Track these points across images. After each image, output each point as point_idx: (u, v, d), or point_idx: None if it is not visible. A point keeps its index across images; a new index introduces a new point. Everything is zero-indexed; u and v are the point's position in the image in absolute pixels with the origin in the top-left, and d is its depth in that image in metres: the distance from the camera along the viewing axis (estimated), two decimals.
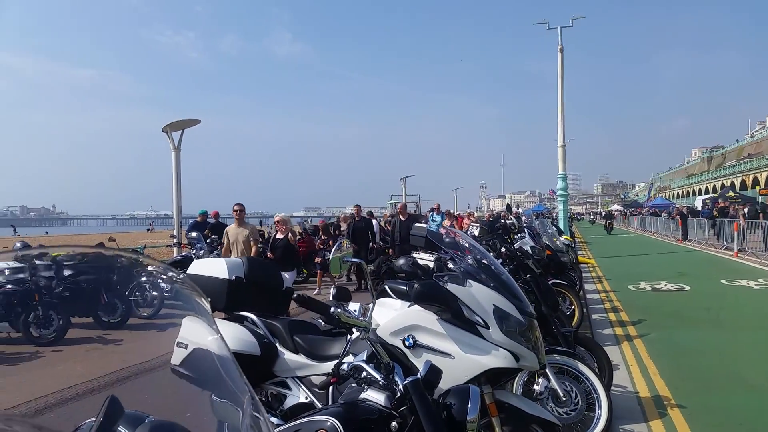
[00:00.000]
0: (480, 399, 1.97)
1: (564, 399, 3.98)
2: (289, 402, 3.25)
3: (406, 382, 1.89)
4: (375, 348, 2.03)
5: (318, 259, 13.18)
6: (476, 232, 9.03)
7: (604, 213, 57.62)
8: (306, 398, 3.28)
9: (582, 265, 14.74)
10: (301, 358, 3.40)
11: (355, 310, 2.27)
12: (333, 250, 2.77)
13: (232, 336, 3.25)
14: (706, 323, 8.84)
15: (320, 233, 16.05)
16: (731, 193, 38.76)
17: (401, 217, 12.74)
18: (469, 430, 1.90)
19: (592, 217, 75.34)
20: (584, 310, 8.42)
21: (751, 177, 60.24)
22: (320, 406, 3.06)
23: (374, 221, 14.81)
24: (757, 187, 50.19)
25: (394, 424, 1.89)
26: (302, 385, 3.35)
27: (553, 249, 8.31)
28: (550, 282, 7.10)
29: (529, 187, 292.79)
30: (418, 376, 1.93)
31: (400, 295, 3.91)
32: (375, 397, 2.01)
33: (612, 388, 5.45)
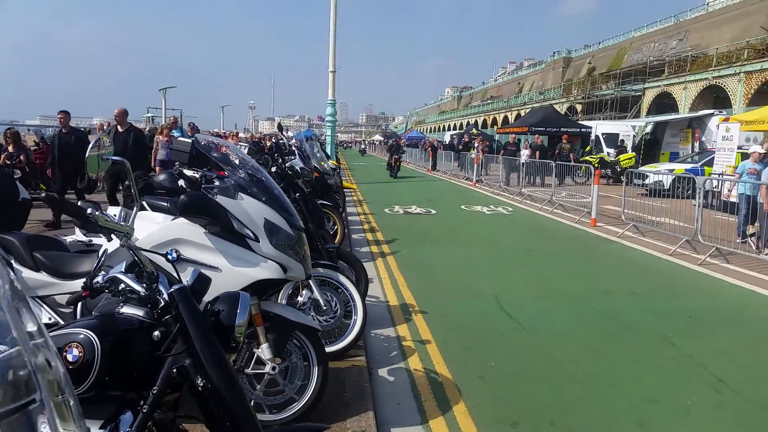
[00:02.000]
0: (249, 303, 1.99)
1: (325, 308, 4.25)
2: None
3: (172, 290, 1.82)
4: (137, 256, 1.90)
5: None
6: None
7: (388, 143, 43.05)
8: (50, 319, 3.00)
9: (345, 190, 15.54)
10: (42, 276, 3.07)
11: (115, 215, 2.07)
12: (90, 147, 2.47)
13: None
14: (448, 242, 10.09)
15: (7, 144, 11.23)
16: (474, 131, 43.83)
17: (119, 127, 9.47)
18: (236, 334, 1.92)
19: (363, 146, 68.54)
20: (346, 230, 8.94)
21: (491, 117, 68.70)
22: None
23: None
24: (495, 126, 57.50)
25: (156, 333, 1.82)
26: (45, 305, 3.04)
27: (320, 171, 8.57)
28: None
29: (299, 112, 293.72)
30: (185, 283, 1.88)
31: (161, 211, 3.70)
32: (134, 310, 1.90)
33: (367, 298, 5.97)
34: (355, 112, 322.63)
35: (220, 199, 2.93)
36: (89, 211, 1.85)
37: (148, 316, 1.87)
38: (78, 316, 2.83)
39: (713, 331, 5.56)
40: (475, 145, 27.35)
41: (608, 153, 25.09)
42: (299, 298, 4.13)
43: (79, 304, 2.74)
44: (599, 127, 28.47)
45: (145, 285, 1.87)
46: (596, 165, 19.98)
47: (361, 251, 8.92)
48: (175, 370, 1.80)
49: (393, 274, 7.47)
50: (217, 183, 3.09)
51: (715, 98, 33.59)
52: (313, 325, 3.28)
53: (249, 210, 2.97)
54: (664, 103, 38.05)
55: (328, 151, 18.37)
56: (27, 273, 3.07)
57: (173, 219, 3.06)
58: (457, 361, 4.62)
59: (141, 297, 1.86)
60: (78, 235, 3.98)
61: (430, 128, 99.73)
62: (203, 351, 1.76)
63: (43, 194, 2.53)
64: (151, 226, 3.04)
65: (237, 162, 3.36)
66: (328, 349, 4.19)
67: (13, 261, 3.06)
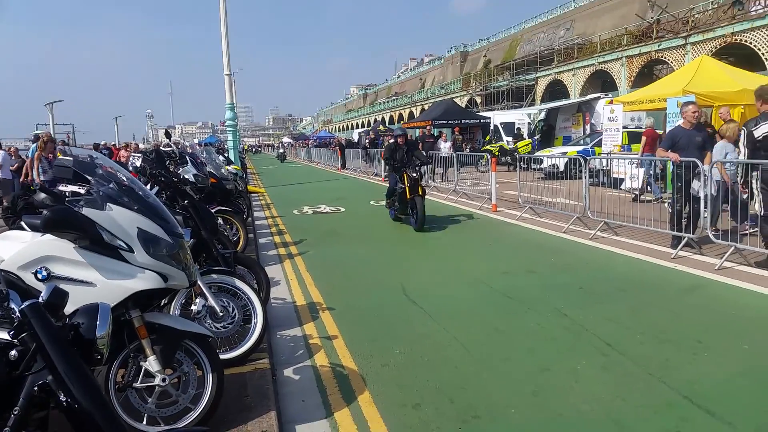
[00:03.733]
0: (109, 313, 1.92)
1: (221, 314, 4.16)
2: None
3: (23, 306, 1.74)
4: None
5: None
6: (138, 163, 8.52)
7: (388, 141, 20.13)
8: None
9: (253, 194, 15.28)
10: None
11: None
12: None
13: None
14: (356, 238, 10.16)
15: None
16: (382, 127, 44.28)
17: None
18: (99, 346, 1.86)
19: (282, 151, 53.05)
20: (250, 235, 8.81)
21: (397, 113, 69.66)
22: None
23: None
24: (402, 122, 58.30)
25: (13, 352, 1.74)
26: None
27: (218, 177, 8.39)
28: (215, 209, 7.20)
29: (201, 118, 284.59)
30: (39, 299, 1.79)
31: (37, 229, 3.50)
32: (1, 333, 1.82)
33: (273, 300, 5.93)
34: (261, 115, 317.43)
35: (87, 212, 2.80)
36: None
37: (4, 333, 1.79)
38: None
39: (602, 300, 5.93)
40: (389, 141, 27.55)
41: (507, 141, 26.17)
42: (193, 307, 4.02)
43: None
44: (497, 116, 29.65)
45: None
46: (496, 153, 20.77)
47: (268, 254, 8.81)
48: (36, 388, 1.74)
49: (300, 274, 7.43)
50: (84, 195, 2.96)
51: (603, 83, 35.80)
52: (202, 332, 3.21)
53: (120, 220, 2.86)
54: (557, 90, 40.14)
55: (231, 156, 17.96)
56: None
57: (42, 236, 2.90)
58: (363, 353, 4.67)
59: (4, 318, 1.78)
60: None
61: (338, 127, 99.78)
62: (62, 366, 1.70)
63: None
64: (18, 245, 2.87)
65: (107, 172, 3.22)
66: (229, 355, 4.14)
67: None
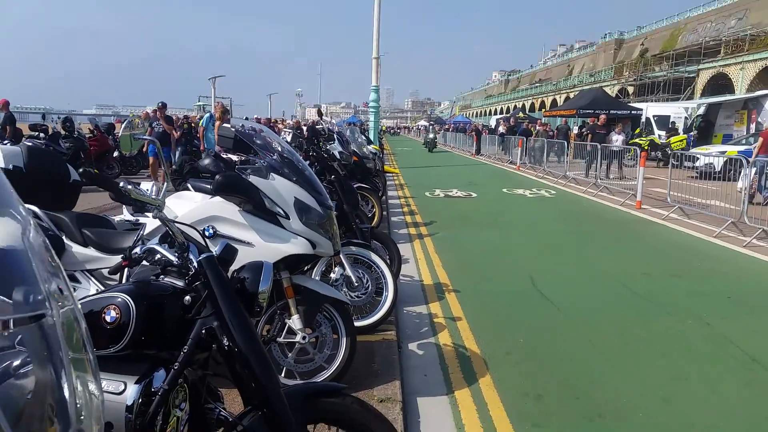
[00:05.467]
0: (272, 272, 2.15)
1: (356, 284, 4.44)
2: (79, 295, 3.19)
3: (201, 258, 1.99)
4: (169, 227, 2.07)
5: None
6: (289, 138, 9.14)
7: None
8: (97, 290, 3.25)
9: (387, 174, 15.68)
10: (90, 251, 3.30)
11: (147, 189, 2.26)
12: (122, 127, 2.69)
13: (5, 230, 3.02)
14: (486, 224, 10.13)
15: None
16: (521, 114, 43.10)
17: None
18: (260, 300, 2.08)
19: (432, 136, 37.36)
20: (384, 212, 9.11)
21: (539, 100, 67.39)
22: None
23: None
24: (543, 110, 56.29)
25: (187, 297, 1.98)
26: (92, 278, 3.28)
27: (360, 156, 8.76)
28: (355, 185, 7.55)
29: (345, 99, 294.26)
30: (213, 253, 2.05)
31: (203, 192, 3.93)
32: (172, 280, 2.07)
33: (401, 277, 6.14)
34: (400, 97, 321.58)
35: (253, 179, 3.13)
36: (122, 184, 2.03)
37: (182, 280, 2.04)
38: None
39: (752, 311, 5.48)
40: (537, 129, 26.75)
41: (659, 135, 24.42)
42: (332, 275, 4.32)
43: (125, 274, 2.97)
44: (650, 109, 27.71)
45: (177, 254, 2.05)
46: (646, 147, 19.45)
47: (399, 233, 9.07)
48: (204, 331, 1.96)
49: (429, 255, 7.60)
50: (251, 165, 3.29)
51: None
52: (341, 299, 3.46)
53: (280, 189, 3.16)
54: (720, 84, 36.58)
55: (371, 136, 18.52)
56: (76, 248, 3.31)
57: (211, 197, 3.28)
58: (487, 338, 4.73)
59: (176, 267, 2.04)
60: (125, 215, 4.26)
61: (476, 113, 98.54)
62: (228, 314, 1.93)
63: (80, 170, 2.69)
64: (190, 204, 3.27)
65: (270, 145, 3.55)
66: (359, 323, 4.38)
67: (64, 237, 3.32)
